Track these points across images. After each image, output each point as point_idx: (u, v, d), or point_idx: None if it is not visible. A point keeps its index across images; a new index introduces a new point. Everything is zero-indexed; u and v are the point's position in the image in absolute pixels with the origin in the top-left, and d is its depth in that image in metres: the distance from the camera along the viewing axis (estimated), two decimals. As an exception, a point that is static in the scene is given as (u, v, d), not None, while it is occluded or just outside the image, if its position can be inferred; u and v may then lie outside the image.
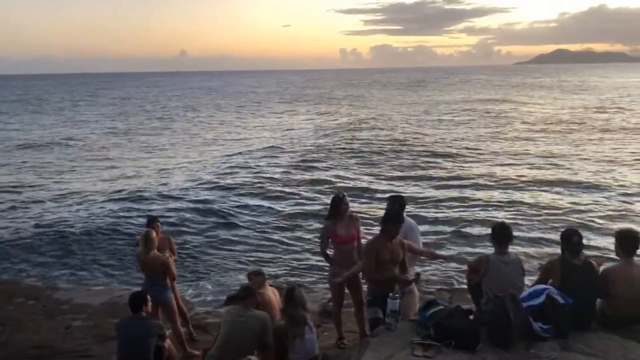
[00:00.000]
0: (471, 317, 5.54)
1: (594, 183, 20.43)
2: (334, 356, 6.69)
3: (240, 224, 16.32)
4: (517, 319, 5.21)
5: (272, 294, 6.63)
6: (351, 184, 21.33)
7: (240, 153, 29.67)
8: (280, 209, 17.73)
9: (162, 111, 60.15)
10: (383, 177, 22.64)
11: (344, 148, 29.87)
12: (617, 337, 5.47)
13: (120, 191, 20.77)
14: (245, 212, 17.54)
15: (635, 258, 5.98)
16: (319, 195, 19.40)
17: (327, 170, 24.16)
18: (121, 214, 17.46)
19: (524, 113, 47.54)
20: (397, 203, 7.08)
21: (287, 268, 12.76)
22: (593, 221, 15.69)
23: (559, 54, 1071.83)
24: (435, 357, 5.02)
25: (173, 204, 18.54)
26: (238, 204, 18.48)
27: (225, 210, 17.68)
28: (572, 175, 21.85)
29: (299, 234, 15.22)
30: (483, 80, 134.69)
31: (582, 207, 17.18)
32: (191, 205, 18.37)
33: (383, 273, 6.15)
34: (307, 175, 22.96)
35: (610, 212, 16.60)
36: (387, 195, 9.81)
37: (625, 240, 5.93)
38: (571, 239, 5.82)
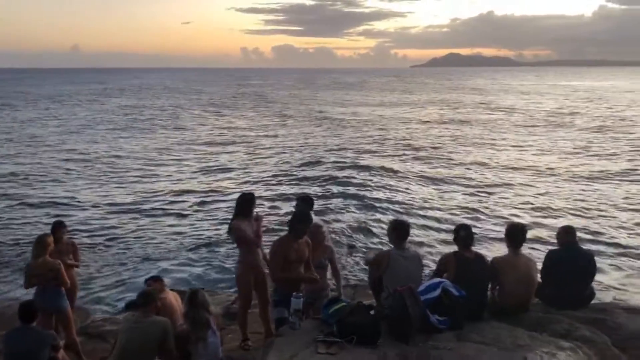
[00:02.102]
0: (372, 312, 5.66)
1: (474, 174, 22.73)
2: (238, 358, 6.62)
3: (141, 228, 15.79)
4: (415, 313, 5.38)
5: (173, 299, 6.46)
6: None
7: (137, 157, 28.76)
8: (180, 213, 17.31)
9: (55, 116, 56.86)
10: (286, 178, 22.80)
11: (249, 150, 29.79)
12: (507, 325, 5.81)
13: (7, 196, 19.46)
14: (146, 218, 16.94)
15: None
16: (219, 198, 19.14)
17: (229, 172, 23.96)
18: (10, 220, 16.35)
19: (422, 115, 49.54)
20: (305, 203, 7.13)
21: (190, 272, 12.50)
22: (474, 209, 17.24)
23: (451, 57, 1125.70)
24: (339, 354, 5.07)
25: (75, 210, 17.62)
26: (139, 209, 17.85)
27: (127, 217, 17.00)
28: (454, 165, 24.52)
29: (201, 238, 14.92)
30: (383, 82, 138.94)
31: (463, 197, 18.86)
32: (93, 210, 17.53)
33: (290, 273, 6.19)
34: (204, 179, 22.51)
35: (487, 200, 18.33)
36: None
37: (514, 233, 6.37)
38: (459, 233, 6.21)
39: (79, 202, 18.56)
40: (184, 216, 17.00)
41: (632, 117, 45.92)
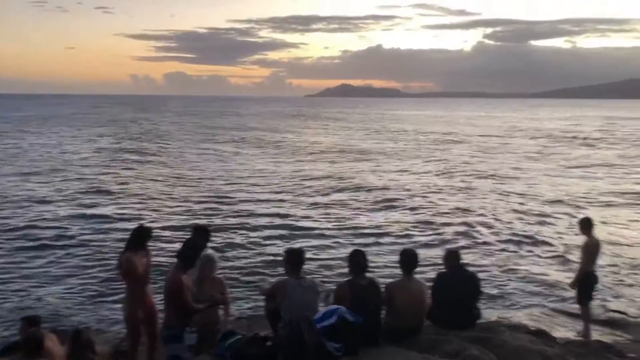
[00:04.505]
0: (269, 343, 5.58)
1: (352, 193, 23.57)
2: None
3: (19, 262, 14.49)
4: (311, 341, 5.37)
5: (49, 341, 5.93)
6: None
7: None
8: (58, 241, 16.07)
9: None
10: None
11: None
12: (402, 348, 5.95)
13: None
14: (28, 252, 15.50)
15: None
16: (102, 225, 18.08)
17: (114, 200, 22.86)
18: None
19: (310, 143, 50.57)
20: (200, 233, 6.99)
21: (72, 308, 11.58)
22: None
23: (343, 88, 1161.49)
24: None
25: None
26: (17, 237, 16.40)
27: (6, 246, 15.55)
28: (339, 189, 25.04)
29: (85, 269, 13.91)
30: (278, 111, 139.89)
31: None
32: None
33: (189, 306, 6.10)
34: (84, 210, 21.11)
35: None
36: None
37: (405, 259, 6.56)
38: (350, 261, 6.35)
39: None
40: (62, 245, 15.72)
41: (504, 144, 49.92)
